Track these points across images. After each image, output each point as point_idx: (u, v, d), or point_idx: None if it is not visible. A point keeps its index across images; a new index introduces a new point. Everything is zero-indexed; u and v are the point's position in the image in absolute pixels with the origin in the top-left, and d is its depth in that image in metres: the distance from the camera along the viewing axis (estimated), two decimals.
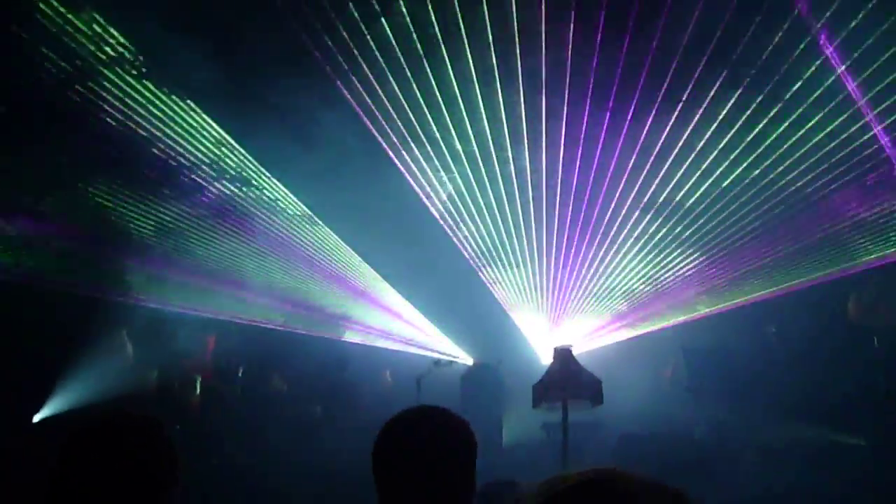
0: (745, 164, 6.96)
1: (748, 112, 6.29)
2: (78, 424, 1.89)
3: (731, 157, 6.91)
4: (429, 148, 7.46)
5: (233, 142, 7.28)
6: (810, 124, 6.20)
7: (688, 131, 6.72)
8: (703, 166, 7.16)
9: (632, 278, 9.50)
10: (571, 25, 5.74)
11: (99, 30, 5.71)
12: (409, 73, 6.32)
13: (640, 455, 6.99)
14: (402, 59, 6.15)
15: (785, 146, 6.56)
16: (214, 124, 7.03)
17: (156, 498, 1.87)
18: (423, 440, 1.86)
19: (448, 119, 6.95)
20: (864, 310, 7.65)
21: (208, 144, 7.22)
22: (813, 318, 7.94)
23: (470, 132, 7.14)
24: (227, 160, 7.50)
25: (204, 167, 7.44)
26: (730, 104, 6.27)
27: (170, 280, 8.48)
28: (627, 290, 9.77)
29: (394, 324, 10.66)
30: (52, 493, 1.82)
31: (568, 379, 5.69)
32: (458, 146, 7.41)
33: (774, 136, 6.47)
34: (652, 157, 7.18)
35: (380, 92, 6.61)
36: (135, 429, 1.94)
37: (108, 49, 5.87)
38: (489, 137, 7.26)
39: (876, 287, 7.62)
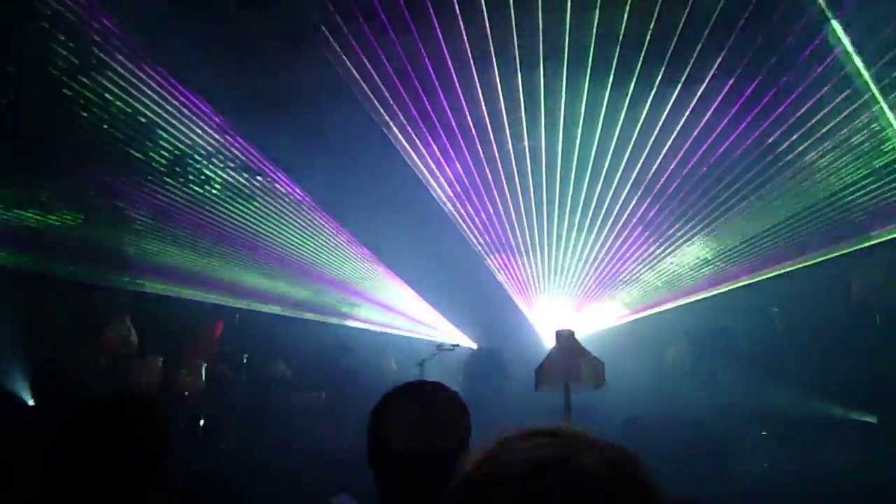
0: (747, 141, 6.92)
1: (753, 85, 6.25)
2: (73, 403, 1.92)
3: (731, 132, 6.86)
4: (430, 131, 7.44)
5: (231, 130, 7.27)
6: (811, 102, 6.15)
7: (688, 110, 6.67)
8: (704, 144, 7.12)
9: (635, 259, 9.49)
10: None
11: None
12: (404, 54, 6.29)
13: (644, 437, 7.00)
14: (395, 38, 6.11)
15: (786, 124, 6.52)
16: (213, 114, 7.02)
17: (149, 474, 1.89)
18: (421, 414, 1.90)
19: (446, 101, 6.92)
20: (867, 288, 7.63)
21: (210, 132, 7.22)
22: (815, 297, 7.91)
23: (468, 115, 7.09)
24: (230, 148, 7.49)
25: (207, 154, 7.44)
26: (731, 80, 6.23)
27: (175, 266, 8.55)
28: (630, 271, 9.76)
29: (396, 308, 10.68)
30: (47, 468, 1.84)
31: (570, 361, 5.68)
32: (458, 128, 7.39)
33: (776, 113, 6.43)
34: (654, 135, 7.15)
35: (375, 75, 6.57)
36: (128, 406, 1.96)
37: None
38: (496, 118, 7.22)
39: (880, 265, 7.59)
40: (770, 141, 6.80)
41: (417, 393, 1.99)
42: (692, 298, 9.36)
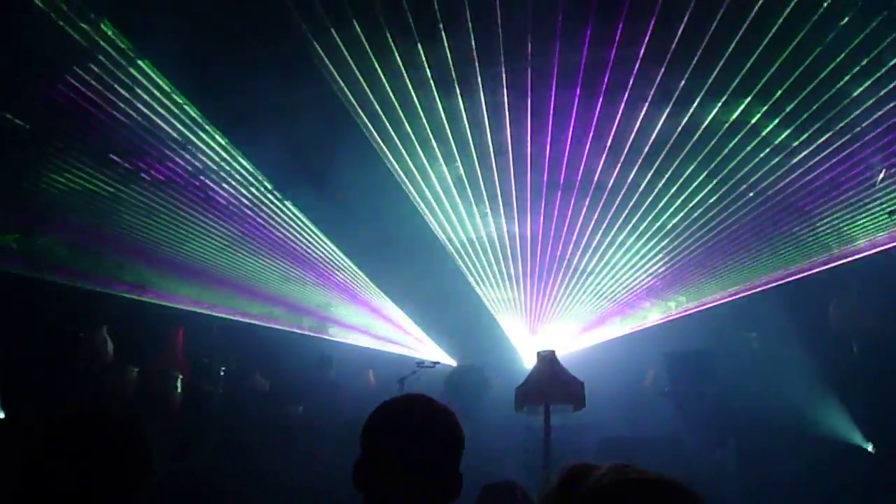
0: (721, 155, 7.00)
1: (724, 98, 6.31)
2: (52, 421, 1.89)
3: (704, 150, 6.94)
4: (412, 141, 7.43)
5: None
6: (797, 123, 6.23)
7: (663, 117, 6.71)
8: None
9: (615, 278, 9.56)
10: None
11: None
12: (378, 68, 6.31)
13: (621, 459, 7.01)
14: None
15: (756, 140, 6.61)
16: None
17: (127, 493, 1.87)
18: (412, 425, 1.89)
19: (423, 114, 6.93)
20: (844, 317, 7.73)
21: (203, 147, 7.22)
22: (793, 322, 8.02)
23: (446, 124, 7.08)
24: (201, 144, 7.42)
25: (191, 161, 7.41)
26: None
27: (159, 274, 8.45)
28: (609, 290, 9.84)
29: (377, 323, 10.66)
30: (23, 487, 1.81)
31: (550, 382, 5.71)
32: (435, 142, 7.39)
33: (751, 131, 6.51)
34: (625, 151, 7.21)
35: (345, 89, 6.57)
36: (109, 426, 1.94)
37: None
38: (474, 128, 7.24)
39: (855, 294, 7.70)
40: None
41: (410, 406, 1.97)
42: (669, 314, 9.47)
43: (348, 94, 6.67)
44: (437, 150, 7.51)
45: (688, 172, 7.26)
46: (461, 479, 1.91)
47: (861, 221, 7.32)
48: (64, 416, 1.93)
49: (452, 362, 10.38)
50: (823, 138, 6.34)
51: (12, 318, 6.97)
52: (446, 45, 6.05)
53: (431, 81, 6.52)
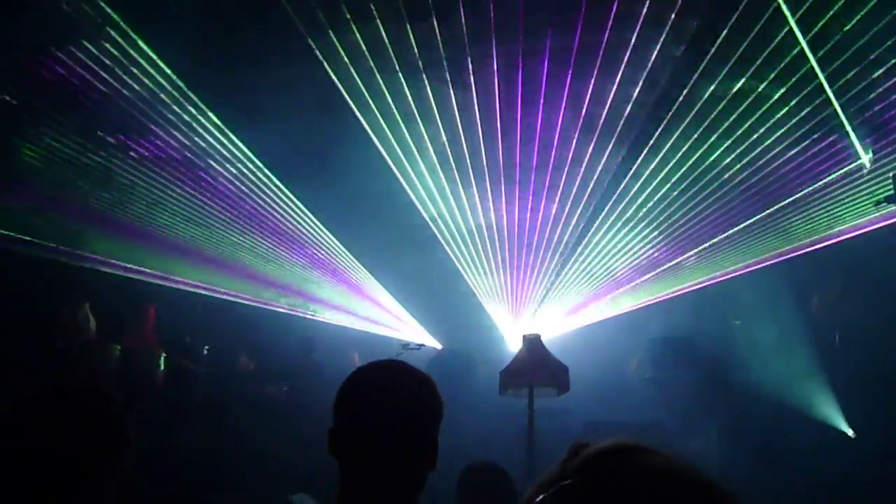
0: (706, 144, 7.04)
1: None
2: (24, 396, 1.85)
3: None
4: (398, 120, 7.40)
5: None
6: (772, 100, 6.26)
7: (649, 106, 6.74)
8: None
9: (601, 259, 9.60)
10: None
11: None
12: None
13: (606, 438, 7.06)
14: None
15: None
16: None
17: (102, 470, 1.83)
18: (387, 392, 1.81)
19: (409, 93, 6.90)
20: (826, 306, 7.79)
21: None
22: (776, 310, 8.08)
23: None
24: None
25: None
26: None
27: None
28: (595, 271, 9.87)
29: (362, 304, 10.61)
30: None
31: (535, 366, 5.72)
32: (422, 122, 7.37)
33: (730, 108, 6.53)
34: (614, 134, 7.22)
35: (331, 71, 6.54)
36: (79, 400, 1.90)
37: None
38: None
39: (838, 284, 7.75)
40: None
41: (387, 371, 1.91)
42: (653, 298, 9.51)
43: (332, 76, 6.64)
44: (423, 129, 7.48)
45: (676, 154, 7.29)
46: (437, 449, 1.83)
47: (844, 207, 7.38)
48: (32, 394, 1.89)
49: (438, 345, 10.37)
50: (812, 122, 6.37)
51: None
52: (436, 28, 6.04)
53: (420, 62, 6.49)
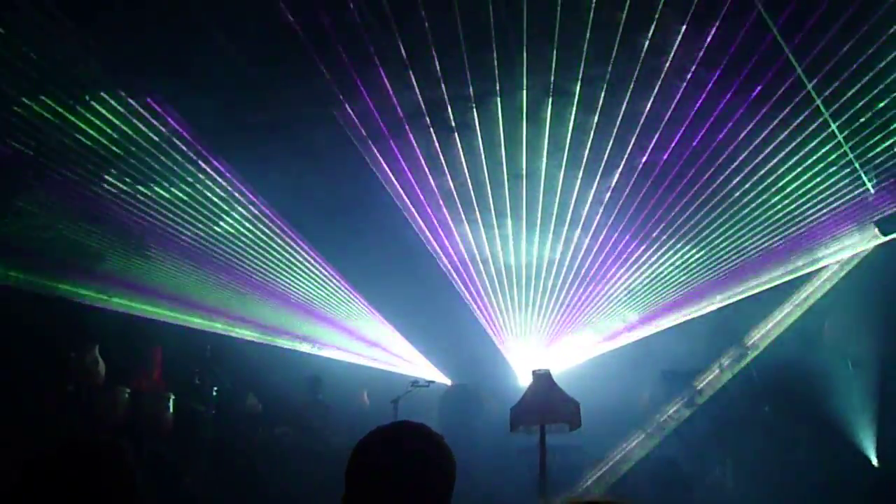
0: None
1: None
2: (37, 450, 1.86)
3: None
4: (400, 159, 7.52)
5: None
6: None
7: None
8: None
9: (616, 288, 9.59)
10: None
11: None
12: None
13: (617, 480, 6.97)
14: None
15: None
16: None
17: None
18: (400, 459, 1.77)
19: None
20: (838, 334, 7.73)
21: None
22: (790, 346, 8.02)
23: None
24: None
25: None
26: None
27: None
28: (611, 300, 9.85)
29: (371, 344, 10.58)
30: None
31: (546, 402, 5.66)
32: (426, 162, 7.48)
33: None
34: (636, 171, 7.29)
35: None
36: (90, 454, 1.91)
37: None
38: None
39: (850, 313, 7.71)
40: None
41: (400, 435, 1.86)
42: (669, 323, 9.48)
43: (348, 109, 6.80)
44: (426, 167, 7.58)
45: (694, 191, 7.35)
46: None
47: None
48: (45, 447, 1.90)
49: (447, 381, 10.30)
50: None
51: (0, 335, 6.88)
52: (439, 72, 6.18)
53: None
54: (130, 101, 6.36)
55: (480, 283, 9.78)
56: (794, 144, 6.52)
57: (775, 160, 6.74)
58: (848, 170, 6.68)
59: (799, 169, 6.78)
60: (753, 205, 7.38)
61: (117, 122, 6.54)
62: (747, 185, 7.13)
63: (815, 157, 6.63)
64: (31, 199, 7.14)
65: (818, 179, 6.89)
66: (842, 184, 6.90)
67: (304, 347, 10.15)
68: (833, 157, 6.58)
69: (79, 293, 8.03)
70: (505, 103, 6.57)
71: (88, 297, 8.09)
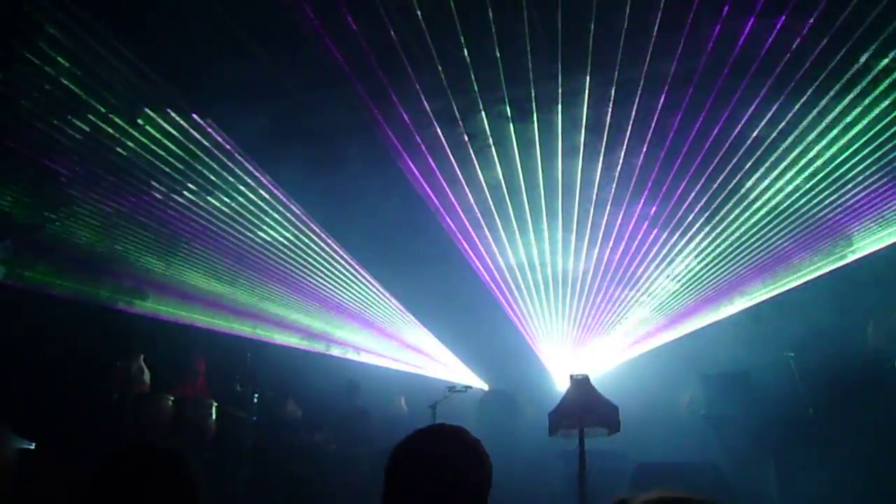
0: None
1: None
2: (102, 458, 1.91)
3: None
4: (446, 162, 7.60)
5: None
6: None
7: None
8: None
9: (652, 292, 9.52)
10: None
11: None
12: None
13: (656, 484, 6.87)
14: None
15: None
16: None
17: None
18: (436, 462, 1.82)
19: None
20: (883, 334, 7.53)
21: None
22: (832, 343, 7.84)
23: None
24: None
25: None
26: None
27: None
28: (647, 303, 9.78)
29: (408, 348, 10.63)
30: None
31: (584, 406, 5.63)
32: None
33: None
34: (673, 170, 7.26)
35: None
36: (157, 460, 1.96)
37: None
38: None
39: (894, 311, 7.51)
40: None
41: (437, 440, 1.91)
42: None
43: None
44: (459, 175, 7.63)
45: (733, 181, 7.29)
46: None
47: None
48: (112, 453, 1.95)
49: (484, 386, 10.30)
50: None
51: (47, 346, 7.07)
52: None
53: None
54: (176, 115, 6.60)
55: (517, 290, 9.78)
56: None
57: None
58: None
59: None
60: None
61: (160, 136, 6.78)
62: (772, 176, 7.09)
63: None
64: (78, 207, 7.39)
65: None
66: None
67: (340, 352, 10.26)
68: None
69: (123, 300, 8.28)
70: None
71: (133, 304, 8.34)
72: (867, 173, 6.95)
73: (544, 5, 5.53)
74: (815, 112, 6.29)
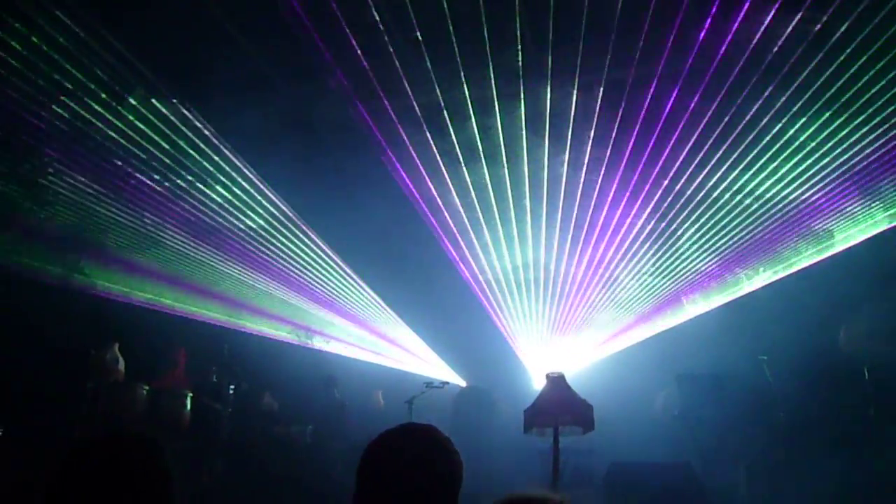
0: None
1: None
2: (75, 443, 1.90)
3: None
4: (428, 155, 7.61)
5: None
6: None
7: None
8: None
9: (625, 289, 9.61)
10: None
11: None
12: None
13: (629, 483, 6.94)
14: None
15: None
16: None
17: None
18: (405, 462, 1.85)
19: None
20: (854, 340, 7.66)
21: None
22: (804, 346, 7.96)
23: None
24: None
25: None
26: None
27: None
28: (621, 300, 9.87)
29: (386, 341, 10.64)
30: None
31: (559, 404, 5.67)
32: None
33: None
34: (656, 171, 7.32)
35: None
36: (130, 446, 1.95)
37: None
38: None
39: (867, 318, 7.64)
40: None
41: (407, 439, 1.94)
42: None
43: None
44: (447, 178, 7.64)
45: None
46: None
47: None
48: (84, 439, 1.94)
49: (462, 382, 10.33)
50: None
51: (21, 334, 6.99)
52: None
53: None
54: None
55: (497, 288, 9.81)
56: None
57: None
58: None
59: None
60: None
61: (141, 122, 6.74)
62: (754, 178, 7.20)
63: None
64: (58, 185, 7.32)
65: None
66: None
67: (318, 342, 10.25)
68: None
69: (99, 284, 8.20)
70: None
71: (109, 289, 8.27)
72: (841, 171, 7.06)
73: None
74: (786, 116, 6.39)
